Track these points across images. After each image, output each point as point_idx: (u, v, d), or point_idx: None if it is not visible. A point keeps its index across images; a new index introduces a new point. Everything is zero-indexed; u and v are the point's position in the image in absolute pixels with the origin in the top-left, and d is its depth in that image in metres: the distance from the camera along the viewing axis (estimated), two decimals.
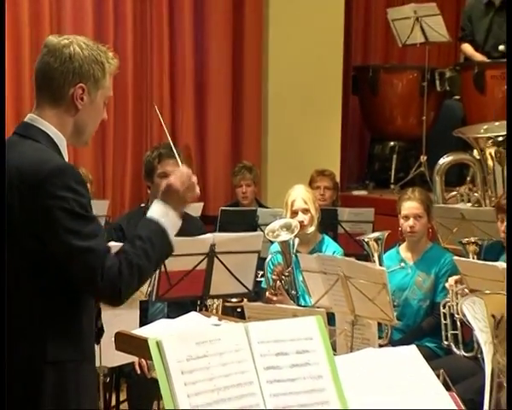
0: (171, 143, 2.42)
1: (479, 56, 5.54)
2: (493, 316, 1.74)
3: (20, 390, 1.82)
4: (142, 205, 3.98)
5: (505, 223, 3.33)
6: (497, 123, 4.74)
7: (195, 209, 4.54)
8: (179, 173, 1.96)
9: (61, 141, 1.85)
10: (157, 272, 3.02)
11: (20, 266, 1.82)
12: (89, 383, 1.90)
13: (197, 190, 2.01)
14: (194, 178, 2.00)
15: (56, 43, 1.84)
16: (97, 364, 2.63)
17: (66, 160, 1.89)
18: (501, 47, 5.40)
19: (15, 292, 1.84)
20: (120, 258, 1.78)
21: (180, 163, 2.15)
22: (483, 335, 1.79)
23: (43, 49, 1.87)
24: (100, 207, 4.05)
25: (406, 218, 3.54)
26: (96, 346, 2.03)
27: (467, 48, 5.65)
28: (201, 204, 4.88)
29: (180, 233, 3.40)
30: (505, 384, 1.10)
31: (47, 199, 1.74)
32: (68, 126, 1.85)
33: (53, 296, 1.81)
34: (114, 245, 2.97)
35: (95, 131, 1.94)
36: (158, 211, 1.87)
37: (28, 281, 1.82)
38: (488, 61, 5.49)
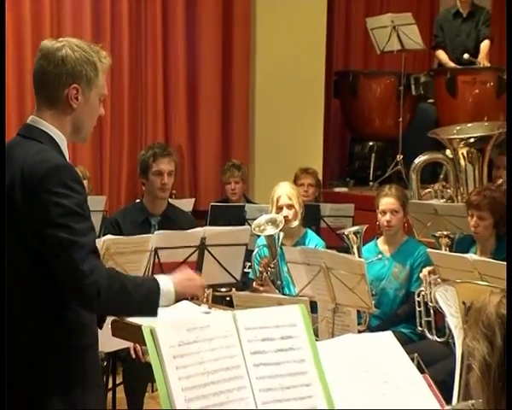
0: None
1: (451, 63, 5.58)
2: (464, 303, 1.75)
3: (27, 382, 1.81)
4: (137, 201, 3.97)
5: (475, 218, 3.36)
6: (469, 125, 4.78)
7: (187, 204, 4.54)
8: (195, 276, 2.04)
9: (62, 140, 1.84)
10: (151, 263, 3.04)
11: (22, 259, 1.81)
12: (93, 369, 1.88)
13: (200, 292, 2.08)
14: (204, 282, 2.09)
15: (50, 47, 1.83)
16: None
17: (67, 158, 1.88)
18: (465, 56, 5.45)
19: (16, 282, 1.83)
20: (114, 271, 1.82)
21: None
22: (454, 320, 1.81)
23: (38, 53, 1.87)
24: (97, 203, 4.04)
25: (383, 213, 3.55)
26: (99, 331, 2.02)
27: (441, 55, 5.68)
28: (193, 200, 4.89)
29: (173, 227, 3.41)
30: (474, 366, 1.11)
31: (44, 194, 1.73)
32: (67, 126, 1.84)
33: (51, 289, 1.79)
34: (111, 238, 2.97)
35: (92, 127, 1.92)
36: (166, 284, 1.87)
37: (30, 273, 1.81)
38: (459, 67, 5.52)
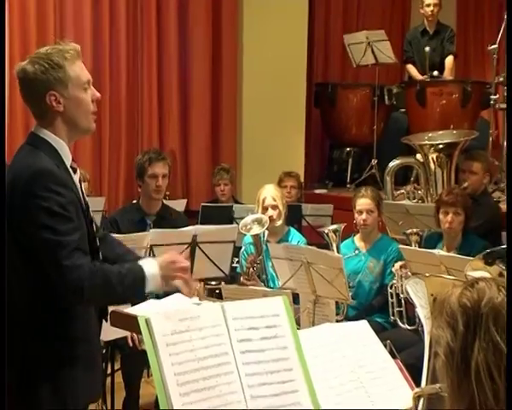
0: None
1: (420, 76, 5.62)
2: (432, 295, 1.77)
3: (19, 362, 1.79)
4: (134, 201, 3.96)
5: (451, 214, 3.36)
6: (439, 132, 4.81)
7: (180, 205, 4.53)
8: (181, 259, 1.96)
9: (61, 145, 1.82)
10: (148, 252, 3.01)
11: (16, 256, 1.80)
12: (84, 361, 1.83)
13: (188, 274, 1.98)
14: (188, 264, 1.99)
15: (18, 70, 1.82)
16: None
17: (69, 161, 1.84)
18: (435, 73, 5.50)
19: (12, 276, 1.81)
20: (98, 266, 1.77)
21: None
22: (423, 310, 1.82)
23: (16, 77, 1.84)
24: (97, 204, 4.04)
25: (360, 212, 3.56)
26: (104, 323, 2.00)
27: (411, 68, 5.72)
28: (185, 200, 4.89)
29: (167, 225, 3.41)
30: (439, 352, 1.11)
31: (29, 198, 1.72)
32: (61, 128, 1.82)
33: (41, 282, 1.78)
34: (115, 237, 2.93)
35: (90, 115, 1.86)
36: (151, 268, 1.84)
37: (23, 268, 1.80)
38: (428, 79, 5.56)
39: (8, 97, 4.45)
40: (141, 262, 1.86)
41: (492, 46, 5.17)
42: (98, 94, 1.89)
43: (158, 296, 2.85)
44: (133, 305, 2.27)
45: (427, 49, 5.43)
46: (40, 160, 1.77)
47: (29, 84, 1.80)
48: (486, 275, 2.01)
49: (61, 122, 1.81)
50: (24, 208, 1.73)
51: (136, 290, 1.84)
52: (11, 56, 4.46)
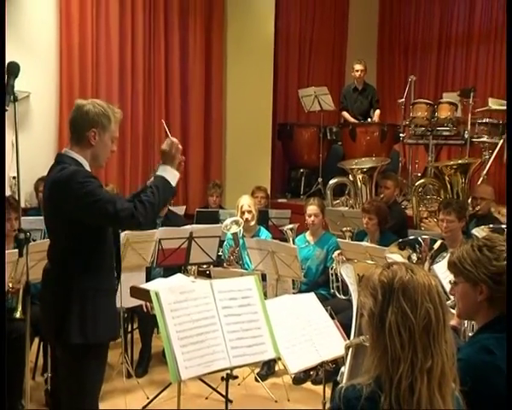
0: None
1: (352, 119, 5.69)
2: (358, 275, 1.79)
3: (55, 312, 1.75)
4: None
5: (367, 218, 3.38)
6: (363, 159, 4.86)
7: (181, 209, 4.48)
8: (169, 141, 1.91)
9: (85, 163, 1.81)
10: (157, 248, 3.00)
11: (61, 231, 1.80)
12: (104, 310, 1.77)
13: (180, 149, 1.93)
14: (177, 141, 1.94)
15: (79, 103, 1.83)
16: (118, 305, 2.57)
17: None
18: (369, 120, 5.56)
19: (57, 254, 1.80)
20: (134, 201, 1.75)
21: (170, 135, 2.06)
22: (352, 286, 1.84)
23: (74, 107, 1.85)
24: None
25: (309, 215, 3.57)
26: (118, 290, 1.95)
27: (345, 114, 5.77)
28: (184, 206, 4.84)
29: (171, 225, 3.38)
30: (364, 314, 1.12)
31: (74, 190, 1.71)
32: (88, 156, 1.82)
33: (79, 253, 1.76)
34: (130, 232, 2.88)
35: (106, 158, 1.88)
36: (160, 169, 1.85)
37: (66, 247, 1.78)
38: (357, 122, 5.62)
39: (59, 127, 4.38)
40: (157, 173, 1.84)
41: (400, 100, 5.30)
42: (115, 148, 1.90)
43: (164, 276, 2.84)
44: (147, 280, 2.21)
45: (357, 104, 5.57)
46: (72, 167, 1.77)
47: (83, 116, 1.79)
48: (399, 258, 2.05)
49: (89, 153, 1.81)
50: (69, 200, 1.72)
51: (167, 190, 1.82)
52: (61, 94, 4.37)
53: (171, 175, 1.83)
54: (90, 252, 1.78)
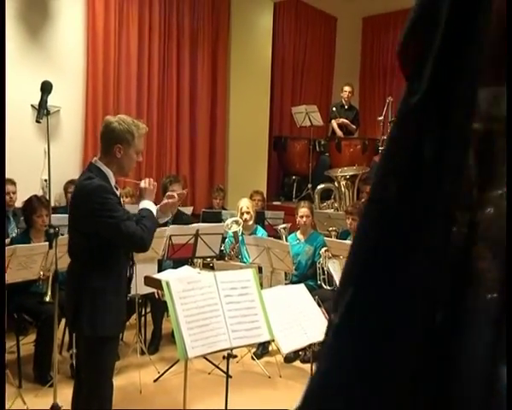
0: None
1: (339, 132, 5.69)
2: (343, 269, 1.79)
3: (72, 305, 1.75)
4: None
5: (350, 219, 3.37)
6: (347, 168, 4.87)
7: (188, 210, 4.46)
8: (146, 180, 1.93)
9: (110, 174, 1.80)
10: (168, 243, 2.99)
11: (79, 239, 1.78)
12: (112, 307, 1.75)
13: (155, 187, 1.94)
14: (152, 180, 1.94)
15: (107, 120, 1.82)
16: (133, 292, 2.56)
17: (113, 183, 1.82)
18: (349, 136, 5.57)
19: (75, 250, 1.80)
20: (139, 226, 1.75)
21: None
22: (337, 278, 1.85)
23: (103, 123, 1.84)
24: (136, 209, 3.94)
25: (301, 217, 3.55)
26: (130, 285, 1.95)
27: (334, 123, 5.77)
28: (191, 207, 4.82)
29: (180, 223, 3.38)
30: None
31: (92, 204, 1.71)
32: (113, 167, 1.81)
33: (94, 254, 1.75)
34: None
35: (131, 169, 1.88)
36: (144, 204, 1.85)
37: (83, 245, 1.77)
38: (343, 136, 5.62)
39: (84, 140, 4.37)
40: (141, 207, 1.86)
41: (380, 118, 5.30)
42: (141, 159, 1.89)
43: (174, 267, 2.82)
44: (159, 271, 2.21)
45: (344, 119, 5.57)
46: (95, 180, 1.76)
47: (109, 132, 1.79)
48: None
49: (114, 163, 1.80)
50: (90, 210, 1.71)
51: (154, 220, 1.84)
52: (87, 107, 4.36)
53: (153, 207, 1.85)
54: (103, 252, 1.75)
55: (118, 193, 1.83)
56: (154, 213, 1.82)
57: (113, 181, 1.81)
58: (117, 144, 1.77)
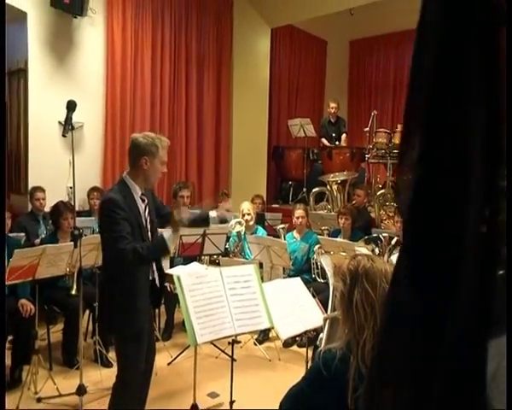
0: None
1: (328, 144, 5.68)
2: (335, 264, 1.78)
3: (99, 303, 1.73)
4: (170, 211, 3.90)
5: (343, 219, 3.35)
6: (338, 173, 4.86)
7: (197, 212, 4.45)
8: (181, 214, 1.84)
9: (133, 186, 1.77)
10: (178, 242, 2.93)
11: (104, 244, 1.77)
12: (134, 308, 1.70)
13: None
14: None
15: (133, 137, 1.81)
16: None
17: (138, 195, 1.78)
18: (337, 143, 5.54)
19: (104, 251, 1.78)
20: (133, 246, 1.66)
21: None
22: (329, 272, 1.85)
23: (130, 140, 1.82)
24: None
25: (297, 218, 3.52)
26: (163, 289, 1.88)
27: (323, 140, 5.76)
28: (199, 210, 4.80)
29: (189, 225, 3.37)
30: (337, 294, 1.11)
31: (103, 214, 1.71)
32: (140, 178, 1.79)
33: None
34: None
35: (157, 180, 1.85)
36: (165, 231, 1.76)
37: (107, 247, 1.75)
38: (333, 146, 5.61)
39: (103, 153, 4.38)
40: (162, 234, 1.75)
41: (366, 129, 5.30)
42: (166, 169, 1.87)
43: (184, 264, 2.82)
44: (171, 267, 2.20)
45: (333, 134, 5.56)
46: (111, 193, 1.73)
47: (137, 146, 1.77)
48: (365, 251, 2.05)
49: (141, 174, 1.78)
50: (102, 219, 1.73)
51: (163, 249, 1.71)
52: (106, 121, 4.37)
53: (172, 239, 1.74)
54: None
55: (141, 204, 1.79)
56: (169, 243, 1.72)
57: (137, 193, 1.78)
58: (143, 157, 1.76)
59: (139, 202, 1.79)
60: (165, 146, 1.83)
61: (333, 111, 5.62)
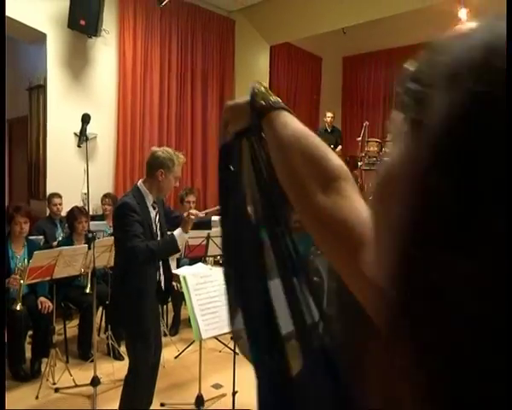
0: None
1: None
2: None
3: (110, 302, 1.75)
4: (178, 215, 3.91)
5: None
6: None
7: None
8: (193, 212, 1.86)
9: (147, 194, 1.78)
10: (185, 244, 2.94)
11: (118, 245, 1.79)
12: (142, 307, 1.72)
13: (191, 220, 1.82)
14: (196, 212, 1.87)
15: (153, 150, 1.82)
16: None
17: (150, 202, 1.79)
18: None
19: (117, 254, 1.80)
20: (145, 245, 1.68)
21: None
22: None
23: (150, 153, 1.83)
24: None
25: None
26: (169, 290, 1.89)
27: None
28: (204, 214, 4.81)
29: (194, 228, 3.37)
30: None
31: (118, 216, 1.72)
32: (154, 188, 1.80)
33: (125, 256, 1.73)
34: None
35: (169, 191, 1.86)
36: (177, 231, 1.77)
37: (120, 248, 1.77)
38: None
39: (114, 165, 4.40)
40: (174, 233, 1.77)
41: (358, 138, 5.33)
42: (178, 184, 1.88)
43: (190, 264, 2.82)
44: (177, 267, 2.21)
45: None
46: (126, 198, 1.75)
47: (156, 158, 1.78)
48: None
49: (156, 185, 1.79)
50: (116, 221, 1.74)
51: (173, 248, 1.73)
52: (118, 136, 4.39)
53: (182, 239, 1.77)
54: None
55: (152, 210, 1.80)
56: (180, 242, 1.75)
57: (150, 200, 1.79)
58: (160, 169, 1.77)
59: (150, 208, 1.81)
60: (181, 163, 1.84)
61: (329, 120, 5.64)
